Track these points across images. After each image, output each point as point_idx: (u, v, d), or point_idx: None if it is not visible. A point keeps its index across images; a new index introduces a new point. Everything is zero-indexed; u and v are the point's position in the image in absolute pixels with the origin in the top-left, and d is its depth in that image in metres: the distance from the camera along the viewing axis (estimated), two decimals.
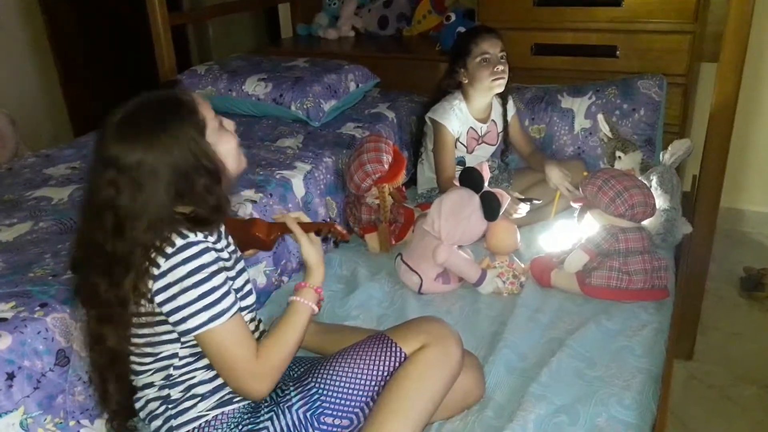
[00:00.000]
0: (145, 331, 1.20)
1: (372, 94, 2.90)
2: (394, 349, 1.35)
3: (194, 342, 1.21)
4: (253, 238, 1.39)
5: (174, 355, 1.23)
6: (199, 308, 1.12)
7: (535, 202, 2.19)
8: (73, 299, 1.33)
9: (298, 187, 2.07)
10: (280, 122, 2.56)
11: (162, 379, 1.25)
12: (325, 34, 3.62)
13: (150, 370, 1.24)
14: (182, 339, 1.20)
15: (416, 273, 1.90)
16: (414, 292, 1.93)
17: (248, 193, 1.92)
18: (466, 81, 2.31)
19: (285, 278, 2.02)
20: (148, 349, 1.23)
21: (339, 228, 1.39)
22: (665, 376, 1.54)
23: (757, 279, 2.63)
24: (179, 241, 1.12)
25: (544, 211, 2.34)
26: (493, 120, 2.45)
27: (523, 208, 2.13)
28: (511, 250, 1.94)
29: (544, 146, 2.62)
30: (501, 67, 2.24)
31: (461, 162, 2.42)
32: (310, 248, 1.34)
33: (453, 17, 3.05)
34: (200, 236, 1.15)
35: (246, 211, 1.85)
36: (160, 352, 1.23)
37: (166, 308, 1.14)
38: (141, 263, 1.12)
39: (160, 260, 1.12)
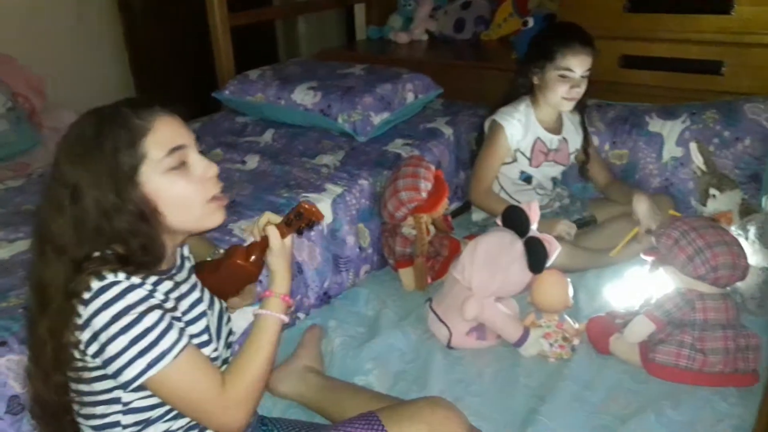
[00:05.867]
0: (82, 387, 1.04)
1: (433, 106, 2.63)
2: None
3: (138, 406, 1.03)
4: (232, 269, 1.16)
5: (116, 424, 1.04)
6: (134, 355, 0.95)
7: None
8: None
9: (325, 212, 1.84)
10: (326, 135, 2.35)
11: None
12: (396, 38, 3.38)
13: None
14: (123, 399, 1.02)
15: (445, 325, 1.63)
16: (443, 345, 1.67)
17: None
18: (538, 83, 2.01)
19: (301, 315, 1.81)
20: (88, 410, 1.05)
21: (307, 205, 1.13)
22: None
23: None
24: (95, 284, 0.94)
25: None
26: (564, 137, 2.12)
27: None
28: (560, 307, 1.63)
29: (625, 176, 2.27)
30: (579, 90, 1.91)
31: (527, 179, 2.11)
32: (281, 253, 1.12)
33: (531, 22, 2.72)
34: (121, 276, 0.96)
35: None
36: (102, 415, 1.05)
37: (99, 360, 0.98)
38: (61, 309, 0.97)
39: (80, 308, 0.95)
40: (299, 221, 1.11)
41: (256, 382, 1.06)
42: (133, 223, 0.97)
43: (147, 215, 0.99)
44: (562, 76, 1.92)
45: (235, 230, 1.65)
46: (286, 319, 1.12)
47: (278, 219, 1.14)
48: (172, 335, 0.97)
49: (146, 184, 0.99)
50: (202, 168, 1.03)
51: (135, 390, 0.99)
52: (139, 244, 0.98)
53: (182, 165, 1.01)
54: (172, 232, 1.04)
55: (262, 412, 1.33)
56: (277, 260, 1.12)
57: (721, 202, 1.97)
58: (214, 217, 1.06)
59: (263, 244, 1.12)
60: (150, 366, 0.95)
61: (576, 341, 1.63)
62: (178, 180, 1.00)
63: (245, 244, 1.20)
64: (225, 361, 1.16)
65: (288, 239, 1.13)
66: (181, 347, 0.98)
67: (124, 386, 0.97)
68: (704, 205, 2.01)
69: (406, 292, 1.93)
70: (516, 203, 1.87)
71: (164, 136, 1.00)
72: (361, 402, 1.37)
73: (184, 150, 1.01)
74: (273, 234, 1.10)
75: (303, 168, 2.08)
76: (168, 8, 3.86)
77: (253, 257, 1.13)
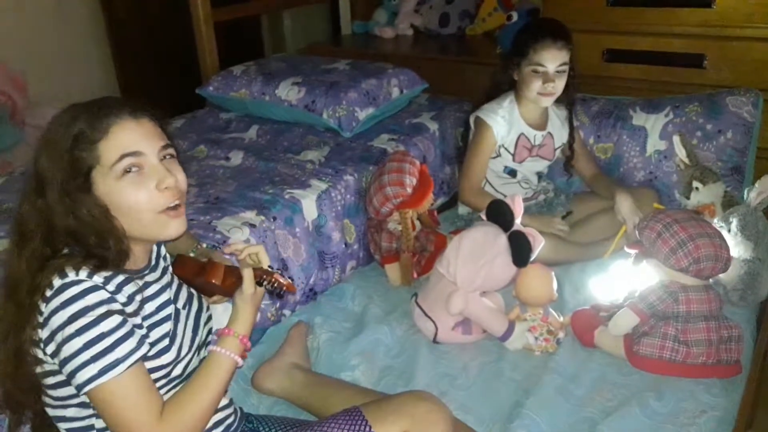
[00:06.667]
0: (51, 391, 1.03)
1: (419, 101, 2.62)
2: None
3: None
4: (208, 285, 1.16)
5: (90, 427, 1.03)
6: (87, 359, 0.93)
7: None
8: None
9: (309, 208, 1.84)
10: (311, 131, 2.34)
11: None
12: (381, 33, 3.38)
13: None
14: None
15: (431, 320, 1.63)
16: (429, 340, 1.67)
17: (248, 215, 1.71)
18: (517, 79, 2.02)
19: (287, 312, 1.81)
20: (59, 412, 1.04)
21: (281, 278, 1.13)
22: None
23: None
24: (57, 282, 0.94)
25: (601, 246, 2.00)
26: (549, 132, 2.12)
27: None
28: (544, 301, 1.63)
29: (610, 169, 2.27)
30: (554, 85, 1.91)
31: (512, 172, 2.12)
32: (251, 300, 1.11)
33: (515, 17, 2.73)
34: (83, 275, 0.95)
35: (242, 236, 1.64)
36: (73, 418, 1.04)
37: (57, 362, 0.97)
38: (24, 304, 0.96)
39: (42, 305, 0.95)
40: (273, 286, 1.12)
41: (199, 420, 1.03)
42: (86, 221, 0.97)
43: (98, 216, 0.98)
44: (535, 71, 1.93)
45: (219, 226, 1.64)
46: (241, 361, 1.09)
47: (267, 262, 1.14)
48: (129, 344, 0.96)
49: (98, 186, 0.99)
50: (158, 178, 1.00)
51: None
52: (95, 241, 0.98)
53: (136, 172, 0.99)
54: (130, 237, 1.02)
55: (248, 410, 1.33)
56: (245, 303, 1.11)
57: (704, 194, 1.97)
58: (168, 229, 1.04)
59: (240, 274, 1.11)
60: (101, 373, 0.93)
61: (561, 334, 1.64)
62: (128, 187, 0.99)
63: (226, 264, 1.19)
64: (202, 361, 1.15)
65: (260, 289, 1.12)
66: (135, 360, 0.96)
67: (78, 390, 0.96)
68: (688, 197, 2.02)
69: (392, 287, 1.93)
70: (501, 197, 1.88)
71: (119, 142, 0.99)
72: (347, 398, 1.36)
73: (139, 157, 0.99)
74: (248, 277, 1.09)
75: (288, 164, 2.07)
76: (151, 3, 3.82)
77: (228, 281, 1.13)
